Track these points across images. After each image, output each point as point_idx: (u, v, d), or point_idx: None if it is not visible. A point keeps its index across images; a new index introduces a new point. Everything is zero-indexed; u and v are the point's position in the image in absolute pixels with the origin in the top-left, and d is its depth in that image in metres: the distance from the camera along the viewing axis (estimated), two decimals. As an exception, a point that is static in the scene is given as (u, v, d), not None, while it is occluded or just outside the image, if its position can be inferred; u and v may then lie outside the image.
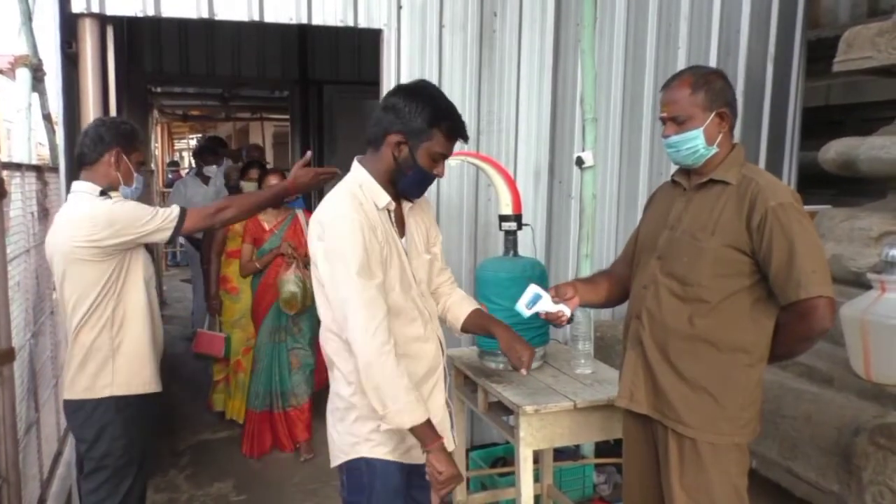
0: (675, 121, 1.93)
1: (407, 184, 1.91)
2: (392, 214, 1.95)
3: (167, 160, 13.69)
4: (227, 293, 4.41)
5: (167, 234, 2.32)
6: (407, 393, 1.79)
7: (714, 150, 1.92)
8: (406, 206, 2.00)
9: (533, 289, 2.12)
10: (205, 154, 6.06)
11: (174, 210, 2.33)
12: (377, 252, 1.82)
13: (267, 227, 3.99)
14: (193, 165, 7.11)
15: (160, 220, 2.28)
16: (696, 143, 1.91)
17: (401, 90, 1.93)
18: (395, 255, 1.90)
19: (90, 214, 2.21)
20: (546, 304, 2.10)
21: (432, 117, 1.85)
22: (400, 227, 1.98)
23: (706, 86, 1.90)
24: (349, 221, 1.79)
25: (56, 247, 2.26)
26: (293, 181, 2.46)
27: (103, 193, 2.29)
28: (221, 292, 4.41)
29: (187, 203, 5.46)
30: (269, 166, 5.41)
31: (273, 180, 4.27)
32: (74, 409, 2.33)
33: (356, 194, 1.88)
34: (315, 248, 1.86)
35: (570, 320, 2.13)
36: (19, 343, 2.60)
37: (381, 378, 1.77)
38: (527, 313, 2.12)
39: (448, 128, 1.87)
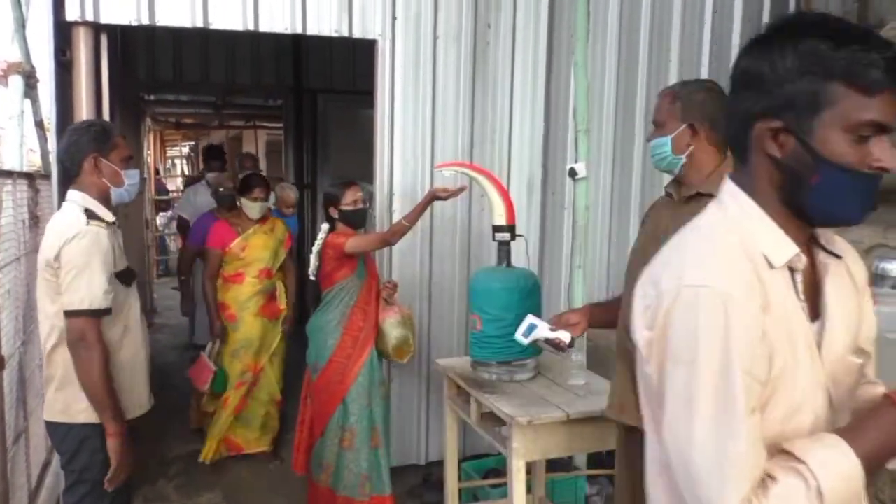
0: (656, 125, 2.02)
1: (820, 203, 1.01)
2: (798, 277, 1.05)
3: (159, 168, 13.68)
4: (226, 321, 3.96)
5: (69, 306, 2.10)
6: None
7: (682, 160, 1.96)
8: (825, 259, 1.11)
9: (529, 319, 2.24)
10: (210, 161, 6.22)
11: (96, 301, 2.12)
12: (765, 359, 0.97)
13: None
14: (201, 169, 7.11)
15: (80, 286, 2.10)
16: (664, 149, 1.97)
17: (758, 40, 1.03)
18: (802, 358, 1.02)
19: (59, 236, 2.14)
20: (542, 332, 2.20)
21: (821, 62, 0.95)
22: (811, 301, 1.07)
23: (685, 97, 1.95)
24: (719, 301, 0.95)
25: (38, 257, 2.22)
26: (113, 438, 2.20)
27: (89, 213, 2.21)
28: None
29: (195, 209, 5.20)
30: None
31: (258, 193, 3.94)
32: (53, 429, 2.30)
33: (730, 243, 1.02)
34: (639, 335, 1.06)
35: (572, 345, 2.21)
36: (9, 351, 2.58)
37: None
38: (525, 342, 2.24)
39: (860, 70, 0.94)
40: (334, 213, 3.18)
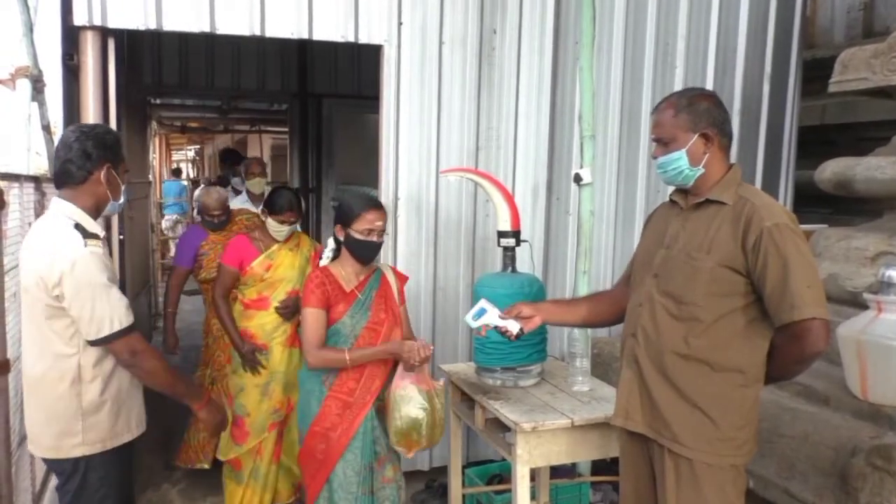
0: (661, 142, 1.98)
1: None
2: None
3: (171, 169, 13.80)
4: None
5: (95, 336, 2.02)
6: None
7: (700, 170, 1.94)
8: None
9: (481, 303, 2.27)
10: (229, 163, 6.13)
11: (123, 320, 2.05)
12: None
13: (346, 286, 2.51)
14: (219, 175, 6.95)
15: (104, 310, 2.01)
16: (679, 163, 1.94)
17: None
18: None
19: (58, 257, 2.00)
20: (491, 318, 2.23)
21: None
22: None
23: (689, 108, 1.93)
24: None
25: (23, 271, 2.10)
26: (203, 408, 2.27)
27: (82, 231, 2.06)
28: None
29: None
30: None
31: (289, 217, 3.27)
32: (45, 461, 2.22)
33: None
34: None
35: (520, 336, 2.23)
36: (14, 354, 2.58)
37: None
38: (473, 324, 2.25)
39: None
40: (340, 235, 2.52)
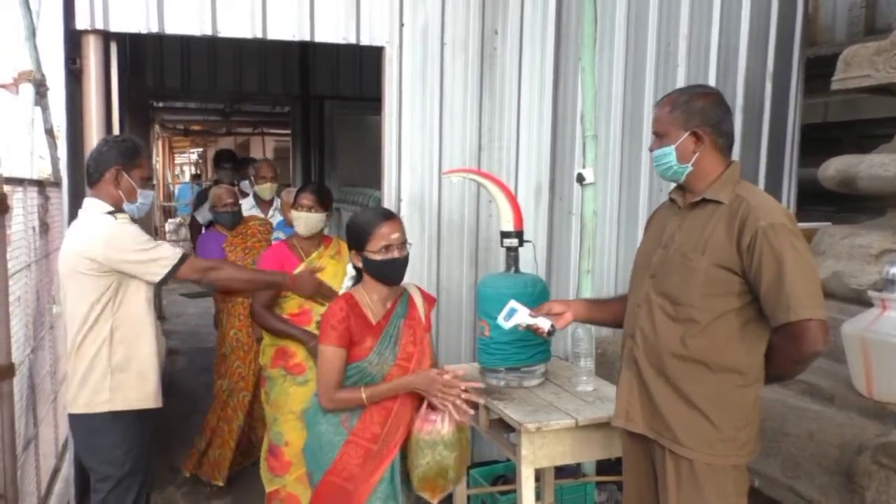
0: (657, 136, 2.00)
1: None
2: None
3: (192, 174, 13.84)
4: (288, 373, 2.97)
5: (160, 274, 2.38)
6: None
7: (688, 168, 1.93)
8: None
9: (510, 304, 2.25)
10: (222, 163, 5.44)
11: (177, 253, 2.42)
12: None
13: (373, 318, 2.20)
14: (212, 176, 6.74)
15: (156, 255, 2.37)
16: (668, 159, 1.95)
17: None
18: None
19: (90, 233, 2.32)
20: (522, 318, 2.21)
21: None
22: None
23: (684, 105, 1.93)
24: None
25: (62, 261, 2.37)
26: (294, 280, 2.60)
27: (111, 213, 2.38)
28: (280, 369, 2.99)
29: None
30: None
31: (304, 199, 3.00)
32: (76, 423, 2.42)
33: None
34: None
35: (552, 333, 2.22)
36: (19, 358, 2.59)
37: None
38: (505, 325, 2.23)
39: None
40: (357, 261, 2.21)
